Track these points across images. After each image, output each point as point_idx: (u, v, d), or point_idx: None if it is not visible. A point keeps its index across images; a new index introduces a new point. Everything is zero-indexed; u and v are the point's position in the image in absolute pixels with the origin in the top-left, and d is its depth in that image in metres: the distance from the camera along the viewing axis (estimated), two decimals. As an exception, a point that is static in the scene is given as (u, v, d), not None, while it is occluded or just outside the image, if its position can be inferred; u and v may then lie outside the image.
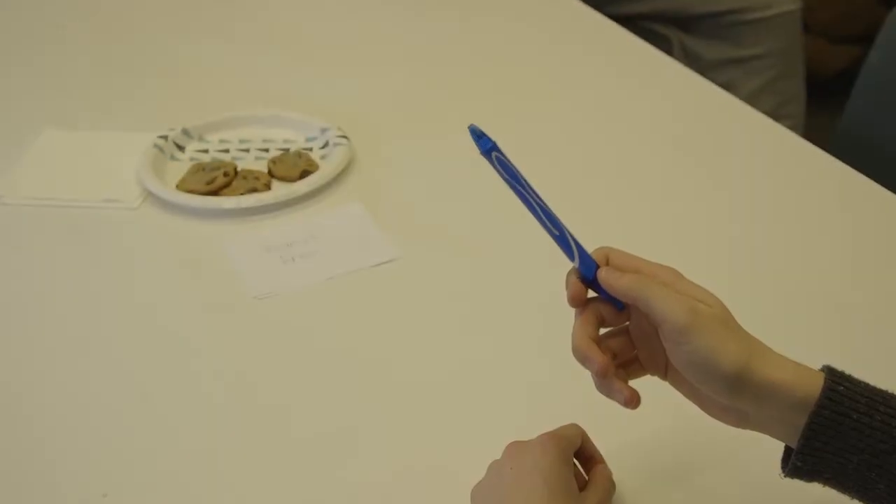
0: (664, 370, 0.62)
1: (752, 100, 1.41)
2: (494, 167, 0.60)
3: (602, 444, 0.69)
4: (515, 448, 0.65)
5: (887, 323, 0.85)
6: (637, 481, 0.69)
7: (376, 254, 0.95)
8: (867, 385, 0.56)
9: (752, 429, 0.59)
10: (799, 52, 1.87)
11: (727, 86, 1.37)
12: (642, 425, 0.75)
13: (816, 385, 0.55)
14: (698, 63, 1.84)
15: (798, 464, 0.56)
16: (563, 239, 0.62)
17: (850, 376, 0.56)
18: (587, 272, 0.61)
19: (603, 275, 0.61)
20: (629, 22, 1.51)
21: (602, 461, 0.68)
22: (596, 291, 0.62)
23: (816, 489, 0.58)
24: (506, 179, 0.61)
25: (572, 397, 0.77)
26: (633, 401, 0.60)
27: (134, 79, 1.33)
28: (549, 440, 0.64)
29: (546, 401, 0.74)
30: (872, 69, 1.28)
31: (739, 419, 0.59)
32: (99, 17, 1.52)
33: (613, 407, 0.71)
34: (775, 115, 1.72)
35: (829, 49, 2.61)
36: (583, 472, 0.68)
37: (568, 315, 0.88)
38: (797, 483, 0.58)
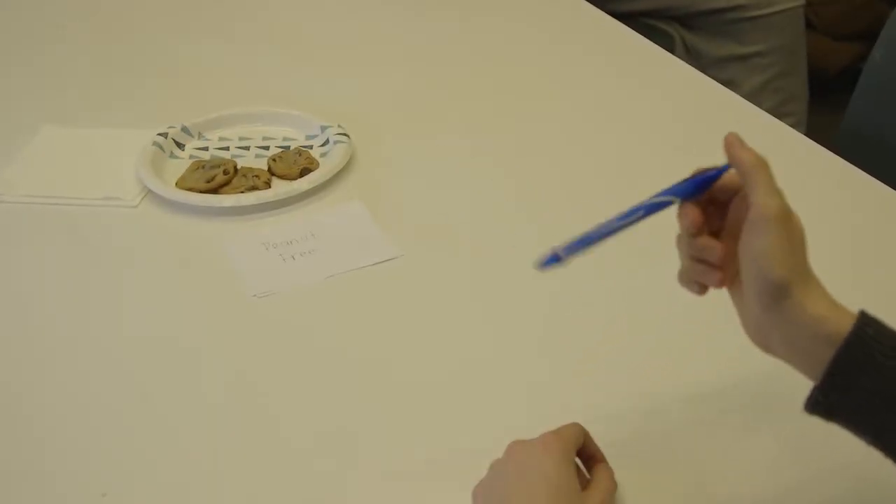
0: (733, 274, 0.63)
1: (754, 97, 1.41)
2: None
3: (604, 443, 0.68)
4: (517, 447, 0.65)
5: (890, 321, 0.84)
6: (639, 481, 0.69)
7: (376, 252, 0.95)
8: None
9: (780, 357, 0.60)
10: (801, 50, 1.87)
11: (729, 83, 1.36)
12: (644, 425, 0.74)
13: (847, 324, 0.56)
14: (700, 60, 1.83)
15: (820, 398, 0.57)
16: (649, 207, 0.66)
17: (882, 322, 0.57)
18: (689, 187, 0.65)
19: (731, 138, 0.63)
20: (631, 19, 1.51)
21: (604, 460, 0.68)
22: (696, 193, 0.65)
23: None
24: (585, 249, 0.65)
25: (573, 397, 0.77)
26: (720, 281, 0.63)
27: (133, 76, 1.33)
28: (552, 439, 0.64)
29: (546, 401, 0.74)
30: (875, 67, 1.27)
31: (769, 342, 0.60)
32: (98, 14, 1.52)
33: (614, 406, 0.71)
34: (777, 112, 1.72)
35: (831, 46, 2.60)
36: (584, 472, 0.67)
37: (568, 315, 0.88)
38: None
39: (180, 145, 1.13)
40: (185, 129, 1.14)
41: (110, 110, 1.24)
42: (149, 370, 0.83)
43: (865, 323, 0.56)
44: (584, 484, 0.66)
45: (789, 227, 0.59)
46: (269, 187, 1.06)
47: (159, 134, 1.12)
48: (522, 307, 0.88)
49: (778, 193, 0.60)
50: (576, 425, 0.67)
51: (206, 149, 1.13)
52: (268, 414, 0.78)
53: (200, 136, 1.15)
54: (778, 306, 0.58)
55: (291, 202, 1.03)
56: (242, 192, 1.04)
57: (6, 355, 0.85)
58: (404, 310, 0.89)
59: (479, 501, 0.65)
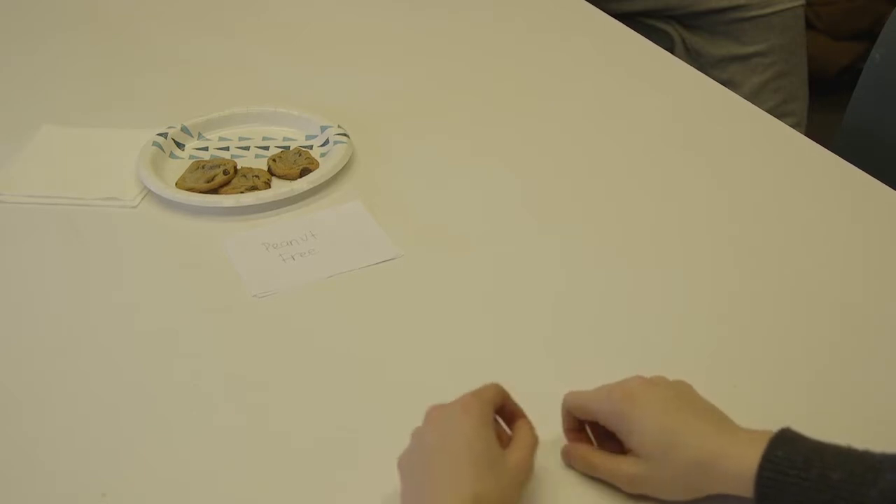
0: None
1: (754, 97, 1.41)
2: None
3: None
4: (436, 412, 0.66)
5: (891, 321, 0.85)
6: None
7: (377, 252, 0.95)
8: (813, 442, 0.61)
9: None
10: (802, 50, 1.87)
11: (729, 83, 1.37)
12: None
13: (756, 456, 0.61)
14: (700, 60, 1.83)
15: None
16: None
17: (794, 438, 0.61)
18: None
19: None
20: (630, 19, 1.51)
21: (524, 416, 0.69)
22: None
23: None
24: None
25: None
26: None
27: (133, 76, 1.33)
28: (470, 400, 0.66)
29: (549, 401, 0.74)
30: (875, 66, 1.27)
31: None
32: (98, 13, 1.52)
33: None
34: (778, 112, 1.72)
35: (832, 46, 2.60)
36: (506, 430, 0.68)
37: (572, 315, 0.88)
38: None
39: (180, 145, 1.13)
40: (185, 129, 1.14)
41: (110, 110, 1.24)
42: (149, 370, 0.83)
43: (775, 446, 0.61)
44: (507, 441, 0.67)
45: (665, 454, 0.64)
46: (269, 187, 1.05)
47: (159, 134, 1.12)
48: (524, 306, 0.88)
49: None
50: (495, 385, 0.68)
51: (206, 149, 1.13)
52: (268, 414, 0.77)
53: (200, 136, 1.15)
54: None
55: (291, 202, 1.03)
56: (242, 192, 1.04)
57: (6, 355, 0.85)
58: (404, 309, 0.89)
59: (405, 471, 0.65)
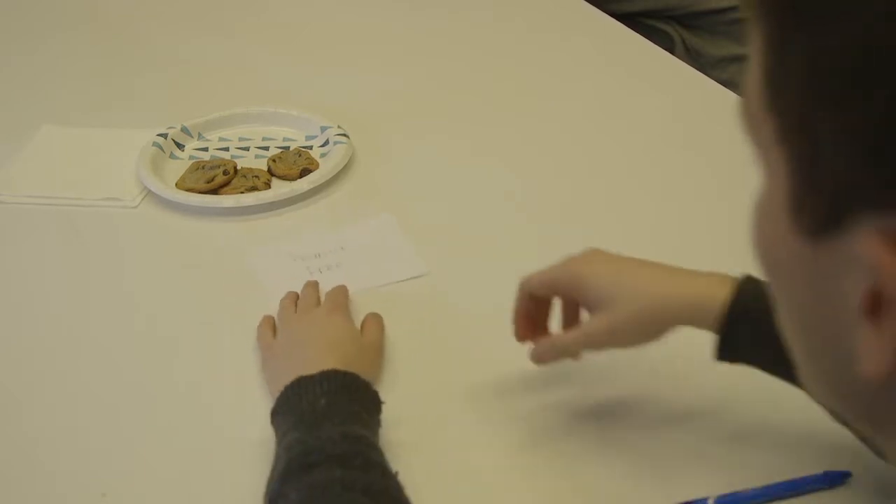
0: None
1: (754, 97, 1.40)
2: None
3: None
4: (300, 317, 0.82)
5: None
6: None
7: (403, 269, 0.93)
8: None
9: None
10: (801, 50, 1.86)
11: (729, 83, 1.36)
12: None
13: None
14: (700, 60, 1.83)
15: (721, 352, 0.66)
16: None
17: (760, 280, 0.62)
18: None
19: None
20: (630, 19, 1.50)
21: (373, 313, 0.83)
22: None
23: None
24: None
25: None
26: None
27: (133, 76, 1.33)
28: (331, 306, 0.83)
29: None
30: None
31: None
32: (98, 13, 1.52)
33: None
34: (777, 112, 1.71)
35: (831, 46, 2.60)
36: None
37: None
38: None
39: (180, 146, 1.13)
40: (185, 130, 1.14)
41: (110, 110, 1.24)
42: (149, 370, 0.83)
43: (744, 283, 0.65)
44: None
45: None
46: (269, 188, 1.05)
47: (159, 134, 1.12)
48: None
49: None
50: (341, 287, 0.86)
51: (205, 149, 1.13)
52: (268, 414, 0.77)
53: (200, 136, 1.15)
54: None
55: (291, 203, 1.03)
56: (242, 192, 1.04)
57: (6, 355, 0.85)
58: (405, 309, 0.88)
59: (276, 374, 0.75)
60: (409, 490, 0.64)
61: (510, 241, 0.96)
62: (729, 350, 0.66)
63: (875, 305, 0.30)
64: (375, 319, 0.83)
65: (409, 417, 0.74)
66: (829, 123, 0.30)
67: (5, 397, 0.80)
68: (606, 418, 0.75)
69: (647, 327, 0.68)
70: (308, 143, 1.13)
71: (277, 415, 0.70)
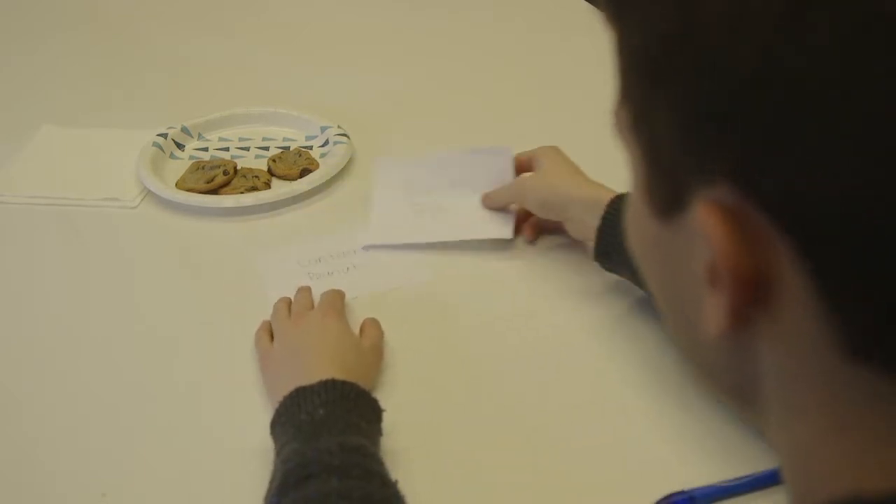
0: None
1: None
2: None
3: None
4: (295, 321, 0.81)
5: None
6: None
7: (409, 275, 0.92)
8: None
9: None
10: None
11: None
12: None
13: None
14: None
15: (596, 255, 0.81)
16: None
17: None
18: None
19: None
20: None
21: (370, 318, 0.83)
22: None
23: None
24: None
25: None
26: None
27: (133, 76, 1.33)
28: (327, 309, 0.81)
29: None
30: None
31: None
32: (98, 13, 1.52)
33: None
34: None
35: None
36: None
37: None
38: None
39: (180, 146, 1.13)
40: (185, 130, 1.14)
41: (110, 110, 1.24)
42: (149, 371, 0.82)
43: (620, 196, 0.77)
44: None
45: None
46: (269, 188, 1.05)
47: (159, 134, 1.12)
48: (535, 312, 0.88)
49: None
50: (337, 291, 0.85)
51: (205, 149, 1.13)
52: (268, 414, 0.77)
53: (200, 136, 1.15)
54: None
55: (291, 203, 1.03)
56: (242, 192, 1.04)
57: (6, 355, 0.85)
58: (403, 308, 0.88)
59: (270, 367, 0.77)
60: (410, 497, 0.64)
61: (510, 242, 0.96)
62: (600, 255, 0.82)
63: (714, 275, 0.32)
64: (374, 323, 0.83)
65: (409, 423, 0.74)
66: (656, 106, 0.33)
67: (5, 397, 0.80)
68: (606, 419, 0.75)
69: (550, 199, 0.89)
70: (308, 144, 1.13)
71: (276, 426, 0.70)
